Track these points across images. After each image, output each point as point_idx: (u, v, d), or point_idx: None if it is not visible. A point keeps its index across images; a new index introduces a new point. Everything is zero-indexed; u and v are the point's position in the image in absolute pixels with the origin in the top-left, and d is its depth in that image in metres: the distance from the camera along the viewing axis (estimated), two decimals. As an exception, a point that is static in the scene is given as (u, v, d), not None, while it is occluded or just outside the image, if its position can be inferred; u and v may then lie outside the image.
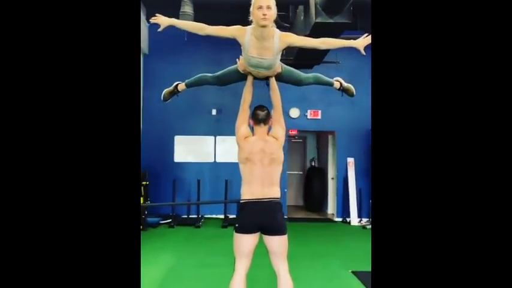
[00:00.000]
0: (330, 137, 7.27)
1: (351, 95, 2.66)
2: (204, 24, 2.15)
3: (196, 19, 4.66)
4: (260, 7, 1.98)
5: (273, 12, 2.01)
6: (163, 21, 2.09)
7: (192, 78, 2.53)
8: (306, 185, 7.99)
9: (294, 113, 6.85)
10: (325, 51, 4.86)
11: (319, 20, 3.87)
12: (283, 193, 6.84)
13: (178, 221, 5.96)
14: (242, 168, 2.24)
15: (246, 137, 2.27)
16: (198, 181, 6.21)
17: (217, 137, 6.83)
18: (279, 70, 2.34)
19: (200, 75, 2.51)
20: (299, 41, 2.21)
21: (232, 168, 7.04)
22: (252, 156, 2.18)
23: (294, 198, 8.39)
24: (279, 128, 2.33)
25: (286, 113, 6.91)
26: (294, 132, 7.90)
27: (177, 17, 4.97)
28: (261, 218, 2.14)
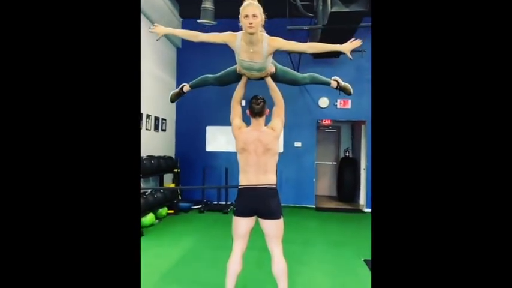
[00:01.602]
0: (362, 126, 7.11)
1: (348, 93, 2.74)
2: (198, 32, 2.35)
3: (217, 13, 4.84)
4: (246, 16, 2.10)
5: (259, 20, 2.12)
6: (160, 30, 2.30)
7: (195, 80, 2.73)
8: (338, 176, 7.92)
9: (323, 102, 6.80)
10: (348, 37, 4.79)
11: (334, 9, 3.83)
12: (311, 183, 6.86)
13: (208, 207, 6.27)
14: (239, 157, 2.36)
15: (240, 128, 2.39)
16: (226, 169, 6.45)
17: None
18: (272, 70, 2.45)
19: (202, 76, 2.69)
20: (286, 45, 2.29)
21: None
22: (247, 146, 2.30)
23: (327, 188, 8.35)
24: (278, 121, 2.44)
25: (315, 103, 6.88)
26: (327, 122, 7.83)
27: (192, 11, 5.17)
28: (255, 203, 2.29)
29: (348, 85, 2.73)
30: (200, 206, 6.19)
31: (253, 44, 2.20)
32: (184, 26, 7.08)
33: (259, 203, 2.29)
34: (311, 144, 6.84)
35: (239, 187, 2.35)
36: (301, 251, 3.94)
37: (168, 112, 6.76)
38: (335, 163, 8.43)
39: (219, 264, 2.42)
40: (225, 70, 2.55)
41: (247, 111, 2.43)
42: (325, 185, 8.35)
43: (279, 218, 2.32)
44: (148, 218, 4.92)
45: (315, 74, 2.68)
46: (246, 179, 2.32)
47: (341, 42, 2.34)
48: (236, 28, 2.23)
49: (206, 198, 6.53)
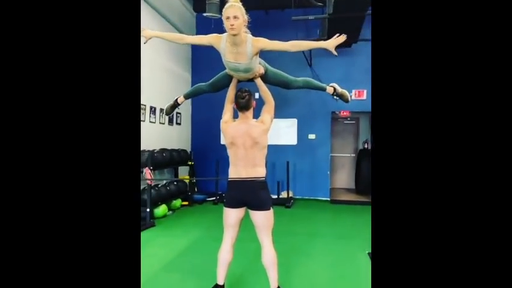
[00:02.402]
0: (380, 117, 6.94)
1: (346, 101, 2.72)
2: (184, 35, 2.44)
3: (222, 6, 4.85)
4: (228, 18, 2.11)
5: (241, 21, 2.12)
6: (147, 34, 2.31)
7: (189, 90, 2.82)
8: (356, 168, 7.78)
9: (338, 93, 6.69)
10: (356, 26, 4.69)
11: (338, -4, 3.75)
12: (325, 175, 6.79)
13: (222, 199, 6.36)
14: (228, 151, 2.39)
15: (226, 122, 2.41)
16: (240, 162, 6.51)
17: (261, 120, 7.03)
18: (262, 71, 2.46)
19: (195, 86, 2.77)
20: (270, 45, 2.27)
21: (270, 150, 7.19)
22: (236, 140, 2.32)
23: (345, 181, 8.23)
24: (267, 116, 2.44)
25: (329, 94, 6.76)
26: (345, 114, 7.70)
27: (205, 6, 5.22)
28: (244, 195, 2.33)
29: (345, 92, 2.70)
30: (214, 198, 6.30)
31: (237, 45, 2.21)
32: (198, 21, 7.15)
33: (248, 194, 2.33)
34: (326, 136, 6.76)
35: (229, 179, 2.39)
36: (307, 243, 3.94)
37: (184, 106, 6.88)
38: (353, 155, 8.28)
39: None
40: (217, 75, 2.59)
41: (234, 105, 2.43)
42: (342, 177, 8.24)
43: (268, 209, 2.35)
44: (161, 209, 5.07)
45: (310, 79, 2.68)
46: (235, 172, 2.36)
47: (349, 32, 2.28)
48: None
49: (220, 190, 6.64)
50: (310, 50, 6.37)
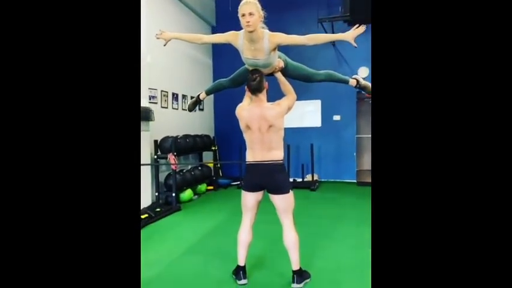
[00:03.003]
0: (408, 96, 6.67)
1: (369, 93, 2.64)
2: (202, 35, 2.44)
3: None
4: (243, 15, 2.11)
5: (257, 17, 2.11)
6: (165, 36, 2.35)
7: (210, 86, 2.85)
8: (384, 149, 7.57)
9: (363, 72, 6.47)
10: None
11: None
12: (351, 157, 6.67)
13: (247, 183, 6.40)
14: (244, 135, 2.39)
15: (241, 107, 2.39)
16: (263, 145, 6.50)
17: (283, 103, 6.94)
18: (281, 65, 2.42)
19: (216, 82, 2.78)
20: (286, 40, 2.23)
21: (294, 134, 7.13)
22: (251, 124, 2.30)
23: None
24: (285, 101, 2.40)
25: (354, 73, 6.55)
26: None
27: None
28: (261, 178, 2.34)
29: (368, 84, 2.61)
30: (238, 182, 6.35)
31: (254, 41, 2.20)
32: (219, 5, 7.08)
33: (265, 178, 2.33)
34: (351, 117, 6.59)
35: (246, 163, 2.39)
36: (331, 225, 3.90)
37: (206, 92, 6.92)
38: (381, 136, 8.05)
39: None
40: (237, 71, 2.58)
41: (246, 89, 2.39)
42: (369, 159, 8.05)
43: (287, 192, 2.34)
44: (187, 194, 5.17)
45: (332, 72, 2.60)
46: (252, 156, 2.35)
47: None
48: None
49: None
50: (333, 29, 6.17)
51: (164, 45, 2.38)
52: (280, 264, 2.70)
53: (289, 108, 2.40)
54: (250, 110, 2.33)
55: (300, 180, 6.59)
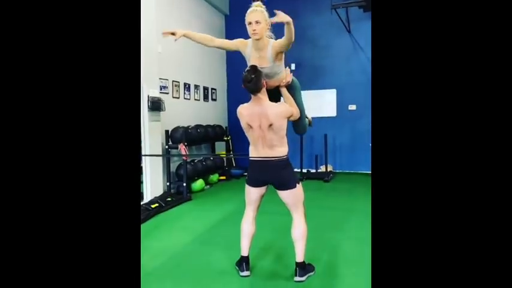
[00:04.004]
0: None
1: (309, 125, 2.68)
2: (213, 37, 2.39)
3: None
4: (250, 23, 2.14)
5: (263, 25, 2.14)
6: (179, 32, 2.31)
7: None
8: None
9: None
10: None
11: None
12: (367, 147, 6.50)
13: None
14: (247, 134, 2.35)
15: (242, 106, 2.33)
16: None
17: (297, 92, 6.82)
18: (289, 79, 2.36)
19: None
20: (279, 45, 2.18)
21: (312, 123, 7.00)
22: (252, 123, 2.25)
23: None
24: (292, 106, 2.32)
25: (370, 61, 6.35)
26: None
27: None
28: (264, 175, 2.32)
29: (309, 119, 2.67)
30: (251, 173, 6.32)
31: (260, 49, 2.22)
32: (231, -8, 6.97)
33: (269, 175, 2.30)
34: (367, 107, 6.39)
35: (250, 158, 2.34)
36: (342, 217, 3.82)
37: (219, 82, 6.87)
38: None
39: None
40: None
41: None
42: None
43: (293, 187, 2.29)
44: (198, 184, 5.19)
45: (304, 115, 2.48)
46: (255, 152, 2.31)
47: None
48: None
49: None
50: (347, 15, 5.97)
51: (175, 41, 2.35)
52: (286, 256, 2.67)
53: (293, 117, 2.32)
54: (250, 109, 2.27)
55: (313, 171, 6.50)
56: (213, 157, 5.81)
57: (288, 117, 2.27)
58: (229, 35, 7.04)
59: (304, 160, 6.52)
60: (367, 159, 6.47)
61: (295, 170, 6.89)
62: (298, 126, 2.50)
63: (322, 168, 6.42)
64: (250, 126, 2.26)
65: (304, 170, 6.49)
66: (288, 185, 2.28)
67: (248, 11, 2.17)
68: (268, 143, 2.24)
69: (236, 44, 2.33)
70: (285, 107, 2.27)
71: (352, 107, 6.58)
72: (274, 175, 2.28)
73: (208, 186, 5.51)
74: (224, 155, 6.32)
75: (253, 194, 2.41)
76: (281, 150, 2.27)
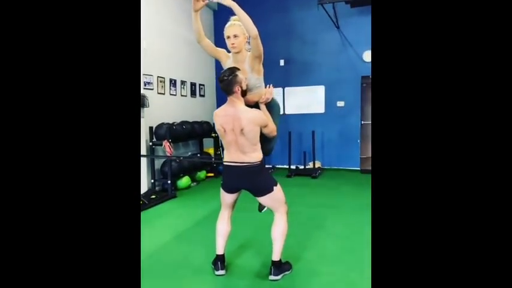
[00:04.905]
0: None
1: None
2: (205, 37, 2.30)
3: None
4: (228, 37, 2.22)
5: (241, 39, 2.21)
6: (198, 5, 2.20)
7: None
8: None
9: (369, 56, 6.23)
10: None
11: None
12: (355, 144, 6.48)
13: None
14: (221, 138, 2.30)
15: (218, 109, 2.30)
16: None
17: (286, 89, 6.77)
18: (268, 96, 2.29)
19: None
20: (250, 58, 2.24)
21: (300, 121, 6.98)
22: (225, 126, 2.20)
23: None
24: (269, 118, 2.24)
25: (359, 57, 6.32)
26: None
27: None
28: (238, 182, 2.29)
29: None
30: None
31: (239, 62, 2.27)
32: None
33: (242, 181, 2.27)
34: (355, 103, 6.38)
35: (224, 163, 2.31)
36: (325, 214, 3.80)
37: (207, 78, 6.81)
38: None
39: (232, 225, 2.51)
40: None
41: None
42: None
43: (271, 191, 2.26)
44: (184, 181, 5.15)
45: (275, 139, 2.42)
46: (228, 156, 2.27)
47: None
48: None
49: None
50: (335, 11, 5.93)
51: (195, 11, 2.22)
52: (265, 255, 2.64)
53: (268, 129, 2.21)
54: (224, 111, 2.22)
55: (302, 167, 6.48)
56: (201, 153, 5.77)
57: (262, 126, 2.18)
58: (218, 31, 6.96)
59: (293, 156, 6.50)
60: (355, 156, 6.47)
61: (284, 166, 6.87)
62: (268, 144, 2.37)
63: (311, 165, 6.41)
64: (224, 130, 2.21)
65: (293, 167, 6.48)
66: (264, 191, 2.25)
67: (226, 26, 2.24)
68: (240, 148, 2.19)
69: (220, 54, 2.36)
70: (259, 114, 2.18)
71: (341, 104, 6.56)
72: (248, 182, 2.24)
73: (195, 183, 5.47)
74: (208, 155, 6.27)
75: (227, 198, 2.40)
76: (254, 155, 2.20)
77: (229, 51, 2.33)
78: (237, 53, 2.24)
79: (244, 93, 2.20)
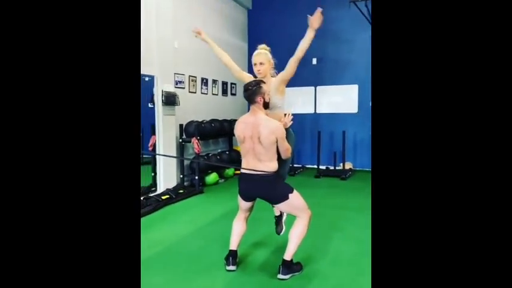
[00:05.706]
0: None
1: None
2: (226, 55, 2.62)
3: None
4: (255, 64, 2.42)
5: (267, 66, 2.42)
6: (203, 35, 2.67)
7: None
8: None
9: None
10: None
11: None
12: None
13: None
14: (240, 145, 2.38)
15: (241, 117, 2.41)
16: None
17: (318, 87, 6.68)
18: (287, 122, 2.36)
19: None
20: (280, 76, 2.40)
21: (332, 120, 6.84)
22: (245, 133, 2.27)
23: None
24: (284, 140, 2.25)
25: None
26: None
27: None
28: (252, 189, 2.35)
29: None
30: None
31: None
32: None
33: (257, 190, 2.33)
34: (390, 103, 6.16)
35: (241, 171, 2.39)
36: (347, 217, 3.74)
37: (240, 76, 6.91)
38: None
39: (248, 224, 2.57)
40: None
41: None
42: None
43: (286, 199, 2.29)
44: (212, 177, 5.28)
45: (285, 169, 2.52)
46: (245, 163, 2.33)
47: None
48: None
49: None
50: (368, 8, 5.76)
51: (195, 36, 2.69)
52: (279, 253, 2.65)
53: (283, 147, 2.24)
54: (245, 118, 2.33)
55: (332, 168, 6.38)
56: (229, 151, 5.87)
57: (279, 139, 2.21)
58: (252, 31, 7.02)
59: (323, 156, 6.41)
60: (388, 158, 6.25)
61: (313, 166, 6.78)
62: (282, 168, 2.39)
63: (341, 166, 6.29)
64: (244, 137, 2.27)
65: (323, 167, 6.39)
66: (280, 199, 2.29)
67: (254, 54, 2.44)
68: (257, 156, 2.25)
69: (243, 75, 2.53)
70: (279, 124, 2.23)
71: (375, 103, 6.36)
72: (263, 191, 2.30)
73: (222, 180, 5.59)
74: (237, 152, 6.35)
75: (243, 205, 2.48)
76: (270, 165, 2.24)
77: (255, 76, 2.47)
78: (263, 78, 2.39)
79: (266, 105, 2.29)
